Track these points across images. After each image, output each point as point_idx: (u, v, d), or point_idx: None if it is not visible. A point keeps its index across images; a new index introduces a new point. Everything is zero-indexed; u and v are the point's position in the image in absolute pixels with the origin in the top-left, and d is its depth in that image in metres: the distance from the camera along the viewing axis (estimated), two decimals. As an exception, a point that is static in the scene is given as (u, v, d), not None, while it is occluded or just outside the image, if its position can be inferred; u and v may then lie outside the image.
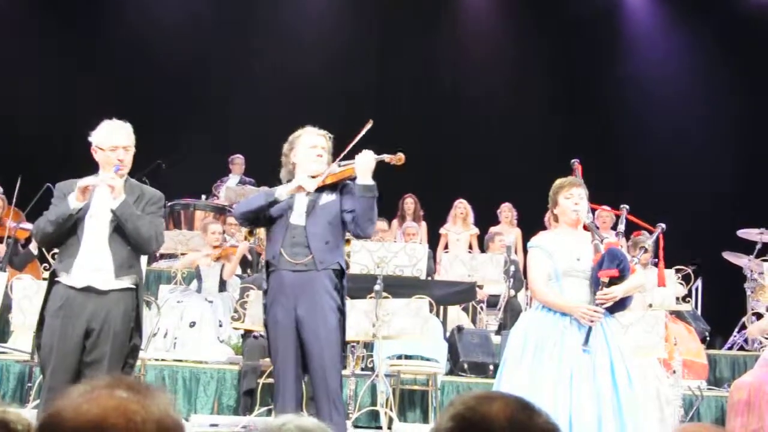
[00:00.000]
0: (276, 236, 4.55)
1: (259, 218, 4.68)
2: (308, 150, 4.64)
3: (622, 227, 4.99)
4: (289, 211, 4.55)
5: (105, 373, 3.97)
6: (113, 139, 4.21)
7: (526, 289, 8.44)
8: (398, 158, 4.57)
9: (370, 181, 4.52)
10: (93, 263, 4.13)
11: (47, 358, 4.13)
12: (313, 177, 4.61)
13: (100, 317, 4.09)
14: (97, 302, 4.11)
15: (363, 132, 4.60)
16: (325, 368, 4.39)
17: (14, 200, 8.26)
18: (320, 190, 4.58)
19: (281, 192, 4.57)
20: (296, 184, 4.54)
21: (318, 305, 4.42)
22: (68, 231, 4.17)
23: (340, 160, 4.65)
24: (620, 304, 4.43)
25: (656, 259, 5.95)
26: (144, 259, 7.67)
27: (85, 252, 4.14)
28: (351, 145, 4.63)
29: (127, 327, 4.15)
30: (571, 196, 4.52)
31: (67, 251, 4.18)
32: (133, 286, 4.20)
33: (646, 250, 5.98)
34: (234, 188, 10.40)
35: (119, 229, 4.15)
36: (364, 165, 4.52)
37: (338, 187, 4.62)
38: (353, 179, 4.56)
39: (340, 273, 4.54)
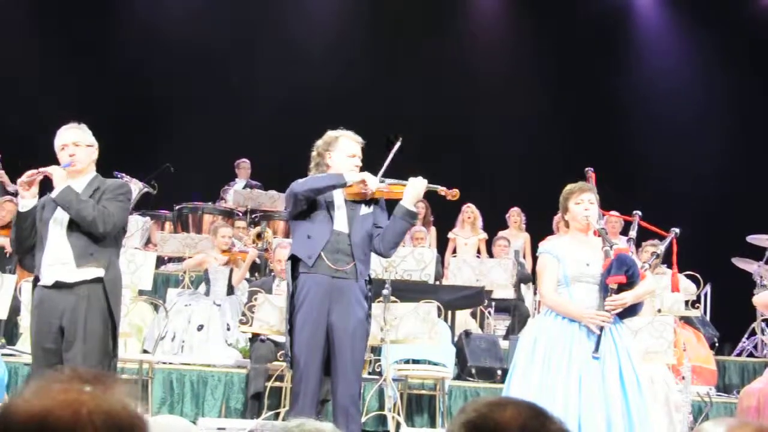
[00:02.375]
0: (316, 238, 4.50)
1: (314, 199, 4.51)
2: (347, 158, 4.60)
3: (633, 233, 4.95)
4: (330, 214, 4.52)
5: None
6: (60, 140, 4.37)
7: (535, 293, 8.43)
8: (453, 194, 4.61)
9: (414, 208, 4.56)
10: (56, 257, 4.23)
11: (34, 359, 4.30)
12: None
13: (70, 314, 4.17)
14: (67, 298, 4.20)
15: (394, 150, 4.62)
16: (349, 375, 4.43)
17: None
18: (361, 201, 4.59)
19: (350, 178, 4.46)
20: (361, 177, 4.46)
21: (351, 313, 4.47)
22: (31, 233, 4.29)
23: (383, 176, 4.62)
24: (631, 310, 4.41)
25: (668, 265, 5.90)
26: (153, 262, 7.68)
27: (48, 249, 4.26)
28: (385, 165, 4.63)
29: (104, 323, 4.20)
30: (581, 202, 4.50)
31: (37, 253, 4.30)
32: (101, 276, 4.23)
33: (657, 256, 5.94)
34: (242, 192, 10.43)
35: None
36: (417, 191, 4.54)
37: (375, 200, 4.63)
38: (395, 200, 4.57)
39: (369, 283, 4.61)
